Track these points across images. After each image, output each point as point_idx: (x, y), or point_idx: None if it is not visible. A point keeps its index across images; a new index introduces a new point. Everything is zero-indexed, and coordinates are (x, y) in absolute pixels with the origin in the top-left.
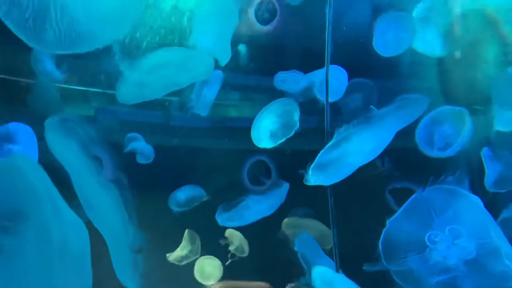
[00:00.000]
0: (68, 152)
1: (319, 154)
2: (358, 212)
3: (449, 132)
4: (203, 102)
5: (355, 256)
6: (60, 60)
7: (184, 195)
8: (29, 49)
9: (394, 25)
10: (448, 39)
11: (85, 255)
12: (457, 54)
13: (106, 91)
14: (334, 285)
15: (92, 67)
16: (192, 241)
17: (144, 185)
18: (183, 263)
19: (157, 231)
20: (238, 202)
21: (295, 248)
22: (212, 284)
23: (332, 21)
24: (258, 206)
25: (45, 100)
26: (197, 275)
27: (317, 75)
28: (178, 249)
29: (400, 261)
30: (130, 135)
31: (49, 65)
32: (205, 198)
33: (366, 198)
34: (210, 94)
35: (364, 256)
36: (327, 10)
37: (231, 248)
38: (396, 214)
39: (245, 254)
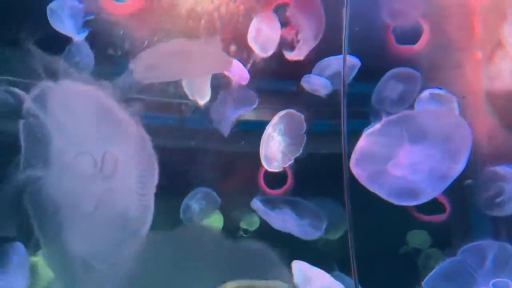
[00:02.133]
0: None
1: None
2: (376, 217)
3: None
4: (227, 122)
5: (373, 263)
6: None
7: (198, 206)
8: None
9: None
10: None
11: None
12: None
13: None
14: (313, 279)
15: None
16: None
17: (159, 187)
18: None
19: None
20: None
21: None
22: (228, 283)
23: (349, 24)
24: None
25: None
26: None
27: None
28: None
29: None
30: None
31: (68, 24)
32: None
33: (384, 204)
34: (234, 114)
35: (382, 264)
36: (344, 12)
37: (242, 224)
38: (431, 275)
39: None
